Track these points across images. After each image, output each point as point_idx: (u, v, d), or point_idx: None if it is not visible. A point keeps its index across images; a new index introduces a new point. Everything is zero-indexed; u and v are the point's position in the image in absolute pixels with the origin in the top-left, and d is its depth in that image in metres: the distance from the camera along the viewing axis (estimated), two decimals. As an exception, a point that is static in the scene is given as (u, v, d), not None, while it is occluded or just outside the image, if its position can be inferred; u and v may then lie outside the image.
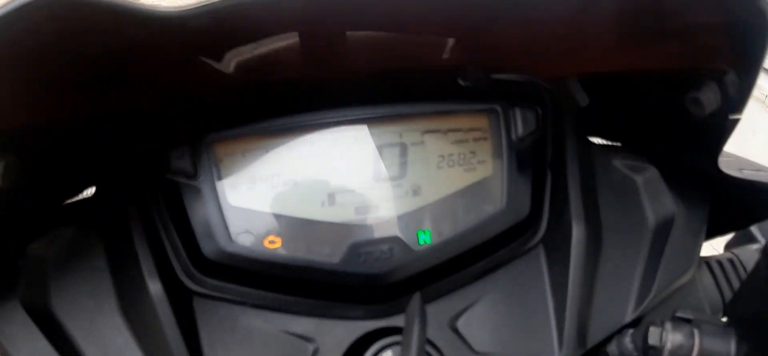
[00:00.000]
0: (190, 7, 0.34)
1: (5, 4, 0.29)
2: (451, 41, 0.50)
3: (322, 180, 0.55)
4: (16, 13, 0.30)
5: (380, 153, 0.56)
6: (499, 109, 0.58)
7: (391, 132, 0.56)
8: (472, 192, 0.58)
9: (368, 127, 0.56)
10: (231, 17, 0.36)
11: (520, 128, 0.59)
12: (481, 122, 0.59)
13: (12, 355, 0.48)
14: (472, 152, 0.58)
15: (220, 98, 0.52)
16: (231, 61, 0.46)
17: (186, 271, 0.55)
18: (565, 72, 0.60)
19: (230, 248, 0.53)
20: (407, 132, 0.57)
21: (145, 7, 0.33)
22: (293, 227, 0.54)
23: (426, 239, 0.57)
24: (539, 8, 0.43)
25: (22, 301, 0.51)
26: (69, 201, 0.57)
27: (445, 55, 0.52)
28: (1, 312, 0.50)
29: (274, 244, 0.54)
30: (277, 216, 0.55)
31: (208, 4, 0.34)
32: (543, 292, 0.59)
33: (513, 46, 0.52)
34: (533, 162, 0.59)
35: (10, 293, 0.51)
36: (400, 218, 0.57)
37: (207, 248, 0.54)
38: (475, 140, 0.59)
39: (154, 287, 0.51)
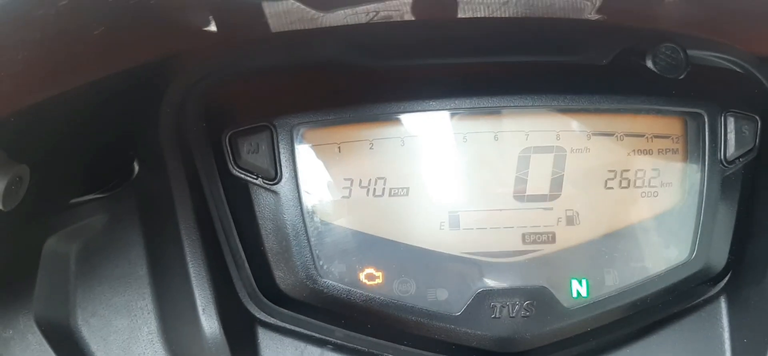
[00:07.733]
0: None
1: None
2: None
3: (442, 193, 0.46)
4: None
5: (526, 160, 0.46)
6: (704, 113, 0.47)
7: (543, 131, 0.46)
8: (650, 229, 0.48)
9: (510, 122, 0.46)
10: None
11: (731, 145, 0.47)
12: (674, 127, 0.48)
13: None
14: (656, 170, 0.48)
15: (314, 70, 0.44)
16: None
17: (252, 295, 0.47)
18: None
19: (315, 284, 0.44)
20: (567, 133, 0.47)
21: None
22: (400, 258, 0.46)
23: (581, 291, 0.47)
24: None
25: (36, 315, 0.45)
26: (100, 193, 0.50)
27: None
28: (9, 331, 0.44)
29: (373, 280, 0.45)
30: (380, 241, 0.46)
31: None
32: None
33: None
34: (742, 195, 0.48)
35: (20, 305, 0.45)
36: (548, 258, 0.47)
37: (284, 281, 0.45)
38: (662, 152, 0.48)
39: (210, 324, 0.44)
